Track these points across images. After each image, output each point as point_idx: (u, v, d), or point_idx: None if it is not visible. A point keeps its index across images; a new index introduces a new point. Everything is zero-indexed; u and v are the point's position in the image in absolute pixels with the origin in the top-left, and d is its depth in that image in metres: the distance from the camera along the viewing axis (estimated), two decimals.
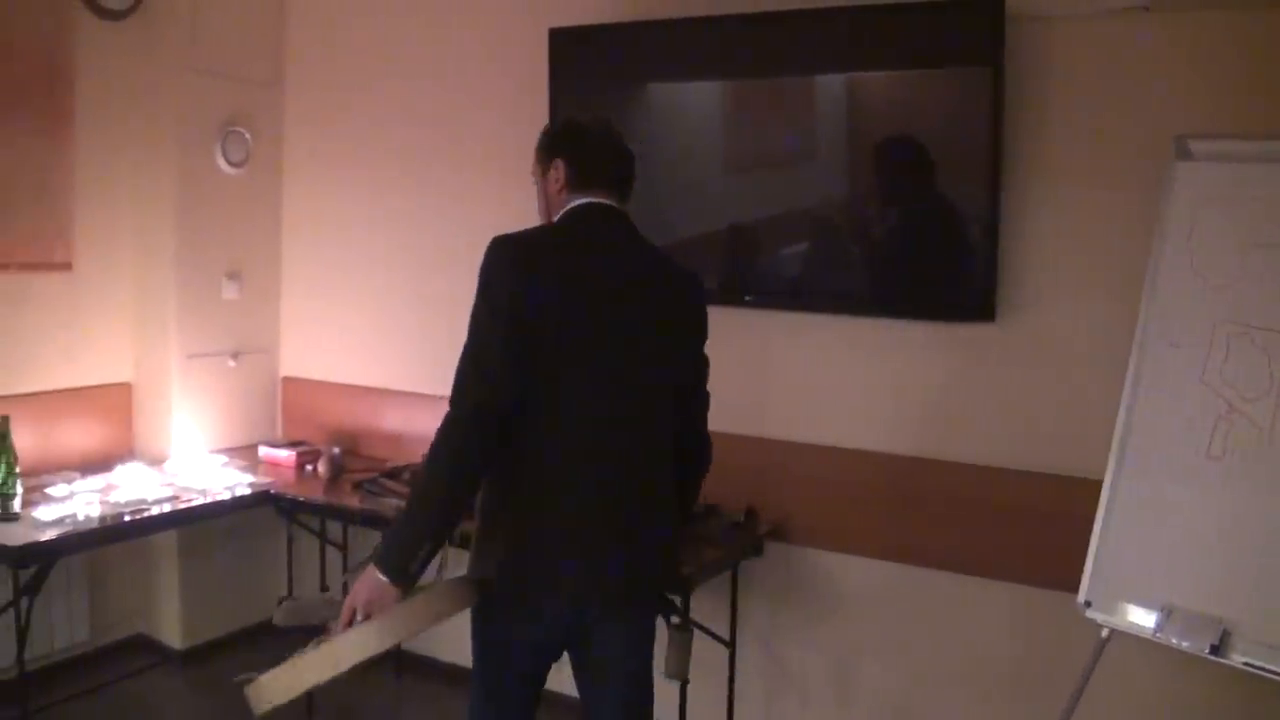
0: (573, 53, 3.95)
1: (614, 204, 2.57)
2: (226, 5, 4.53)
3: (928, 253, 3.52)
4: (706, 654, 3.59)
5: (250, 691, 2.33)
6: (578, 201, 2.55)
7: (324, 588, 4.48)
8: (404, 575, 2.36)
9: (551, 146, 2.62)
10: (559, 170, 2.57)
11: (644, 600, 2.65)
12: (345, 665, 2.32)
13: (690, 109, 3.88)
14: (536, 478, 2.44)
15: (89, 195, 4.29)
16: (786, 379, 3.77)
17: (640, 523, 2.51)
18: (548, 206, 2.63)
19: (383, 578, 2.36)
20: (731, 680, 3.80)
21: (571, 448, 2.44)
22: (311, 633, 2.53)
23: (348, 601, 2.39)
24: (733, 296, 3.78)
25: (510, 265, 2.41)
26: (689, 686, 3.38)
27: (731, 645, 3.77)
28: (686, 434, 2.65)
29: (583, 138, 2.61)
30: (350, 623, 2.37)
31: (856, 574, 3.68)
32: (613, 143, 2.62)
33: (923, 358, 3.54)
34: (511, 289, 2.38)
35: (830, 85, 3.66)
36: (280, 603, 3.16)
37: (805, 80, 3.68)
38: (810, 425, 3.73)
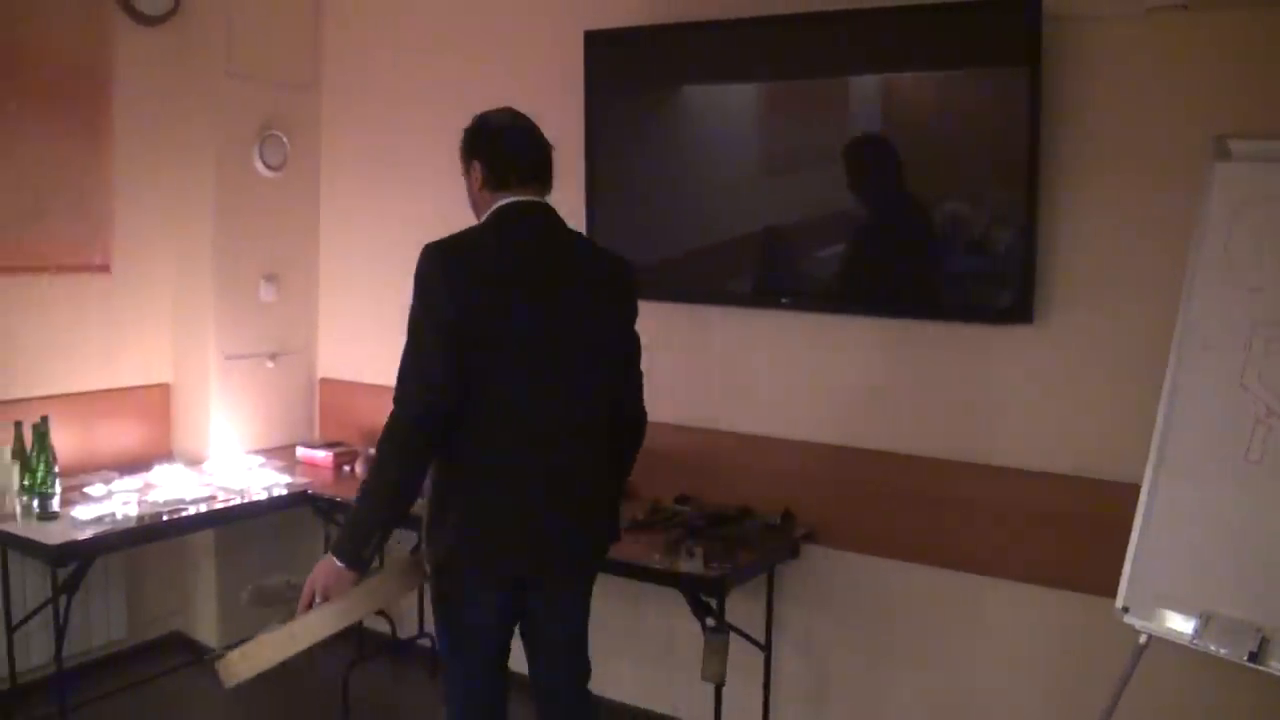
0: (608, 55, 3.95)
1: (536, 198, 2.68)
2: (263, 9, 4.55)
3: (964, 254, 3.49)
4: (742, 657, 3.59)
5: (220, 668, 2.57)
6: (502, 201, 2.66)
7: None
8: (358, 561, 2.58)
9: (470, 148, 2.74)
10: (478, 171, 2.70)
11: (586, 568, 2.83)
12: (306, 643, 2.57)
13: (725, 111, 3.87)
14: (482, 465, 2.58)
15: (127, 198, 4.32)
16: (820, 381, 3.75)
17: (581, 498, 2.67)
18: (475, 205, 2.75)
19: (339, 564, 2.57)
20: (767, 684, 3.80)
21: (514, 434, 2.57)
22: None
23: (308, 585, 2.60)
24: (768, 299, 3.77)
25: (443, 271, 2.54)
26: (724, 690, 3.38)
27: (767, 649, 3.77)
28: (622, 412, 2.78)
29: (496, 138, 2.71)
30: (310, 604, 2.59)
31: (893, 578, 3.66)
32: (527, 139, 2.72)
33: (960, 360, 3.51)
34: (446, 294, 2.51)
35: (865, 86, 3.65)
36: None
37: (840, 81, 3.66)
38: (846, 428, 3.70)
